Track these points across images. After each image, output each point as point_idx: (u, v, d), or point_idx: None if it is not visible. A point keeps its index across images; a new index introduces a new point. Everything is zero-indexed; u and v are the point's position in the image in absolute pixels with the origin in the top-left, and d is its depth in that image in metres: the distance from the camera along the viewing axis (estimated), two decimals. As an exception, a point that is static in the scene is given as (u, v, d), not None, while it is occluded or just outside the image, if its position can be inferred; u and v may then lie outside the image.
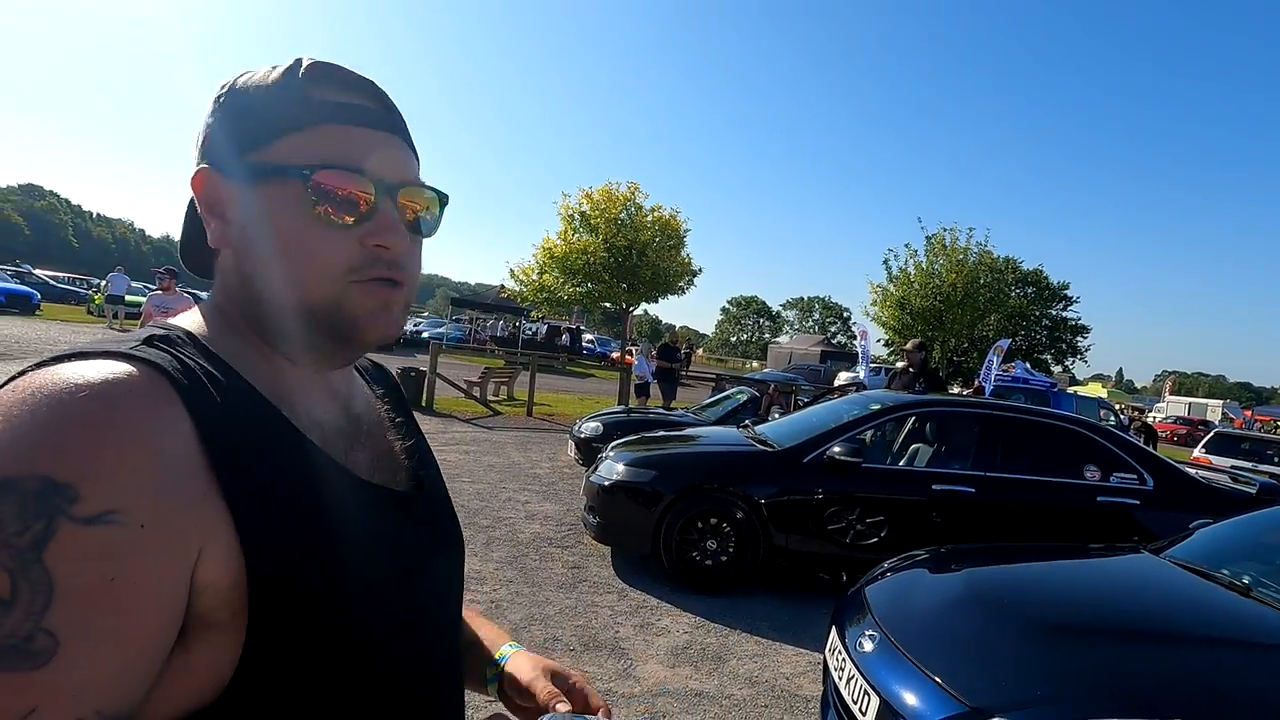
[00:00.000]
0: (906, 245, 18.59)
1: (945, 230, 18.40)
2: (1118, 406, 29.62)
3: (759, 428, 5.48)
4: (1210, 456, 12.02)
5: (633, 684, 3.17)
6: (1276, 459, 12.20)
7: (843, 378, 21.52)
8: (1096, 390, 41.31)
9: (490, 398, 12.39)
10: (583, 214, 13.79)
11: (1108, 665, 2.04)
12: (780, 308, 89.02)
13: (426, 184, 0.64)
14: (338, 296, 0.57)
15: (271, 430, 0.55)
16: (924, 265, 18.18)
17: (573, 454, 7.51)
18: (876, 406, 4.83)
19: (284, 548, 0.51)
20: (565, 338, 29.93)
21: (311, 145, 0.57)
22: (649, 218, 13.71)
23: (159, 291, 7.69)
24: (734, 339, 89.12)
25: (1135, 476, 4.49)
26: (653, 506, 4.40)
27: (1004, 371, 20.53)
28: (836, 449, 4.44)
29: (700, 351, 73.20)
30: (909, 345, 7.28)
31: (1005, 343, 20.51)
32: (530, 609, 3.84)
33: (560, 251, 13.66)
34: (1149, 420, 24.27)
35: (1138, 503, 4.40)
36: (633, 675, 3.25)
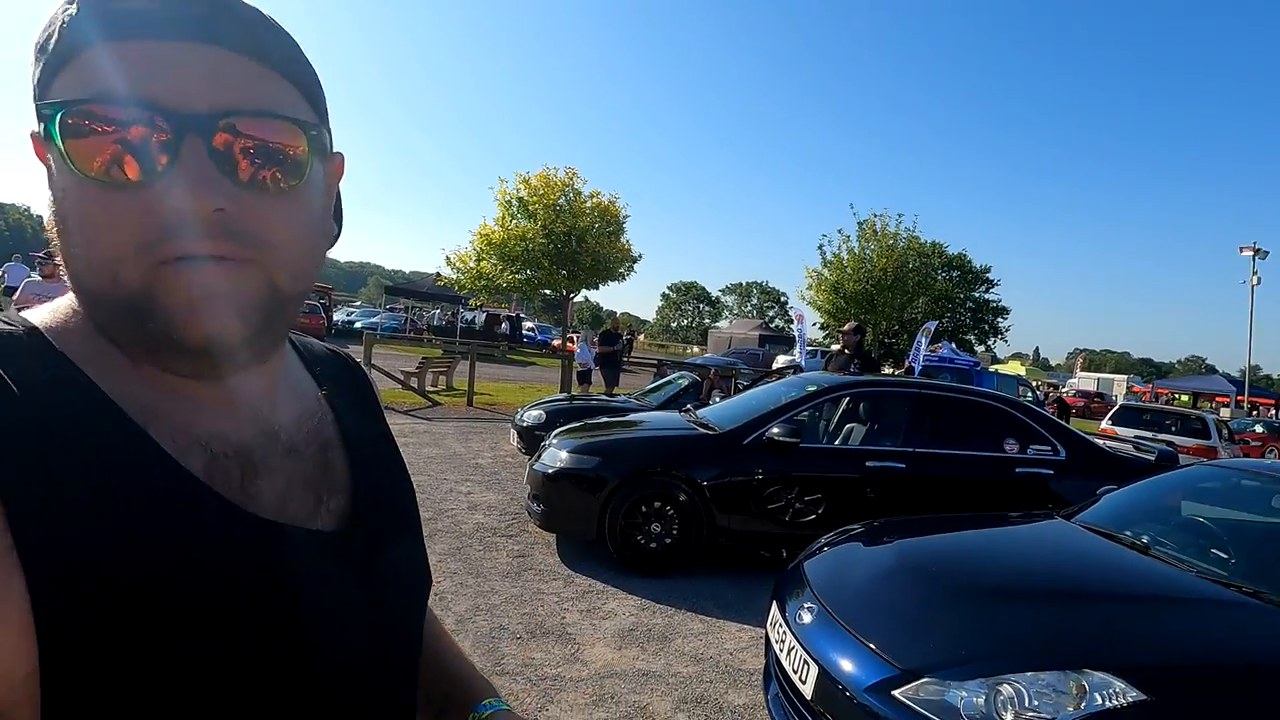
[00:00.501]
0: (840, 231, 19.14)
1: (876, 216, 19.03)
2: (1034, 383, 31.36)
3: (700, 412, 5.57)
4: (1116, 428, 12.90)
5: (580, 668, 3.20)
6: (1174, 428, 13.19)
7: (780, 361, 22.02)
8: (1016, 368, 43.60)
9: (428, 388, 12.14)
10: (521, 200, 13.57)
11: (1023, 623, 2.19)
12: (719, 293, 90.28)
13: (275, 111, 0.45)
14: (146, 285, 0.42)
15: (119, 457, 0.42)
16: (856, 251, 18.75)
17: (515, 443, 7.45)
18: (813, 388, 4.98)
19: (106, 622, 0.38)
20: (505, 326, 29.55)
21: (80, 77, 0.41)
22: (588, 204, 13.63)
23: (39, 279, 7.11)
24: (675, 324, 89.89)
25: (1049, 448, 4.79)
26: (597, 492, 4.43)
27: (932, 352, 21.44)
28: (775, 430, 4.56)
29: (642, 337, 73.43)
30: (845, 328, 7.51)
31: (933, 324, 21.37)
32: (476, 599, 3.81)
33: (498, 238, 13.42)
34: (1062, 395, 25.83)
35: (1052, 472, 4.70)
36: (580, 659, 3.27)
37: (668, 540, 4.47)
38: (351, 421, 0.61)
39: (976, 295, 46.62)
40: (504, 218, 13.61)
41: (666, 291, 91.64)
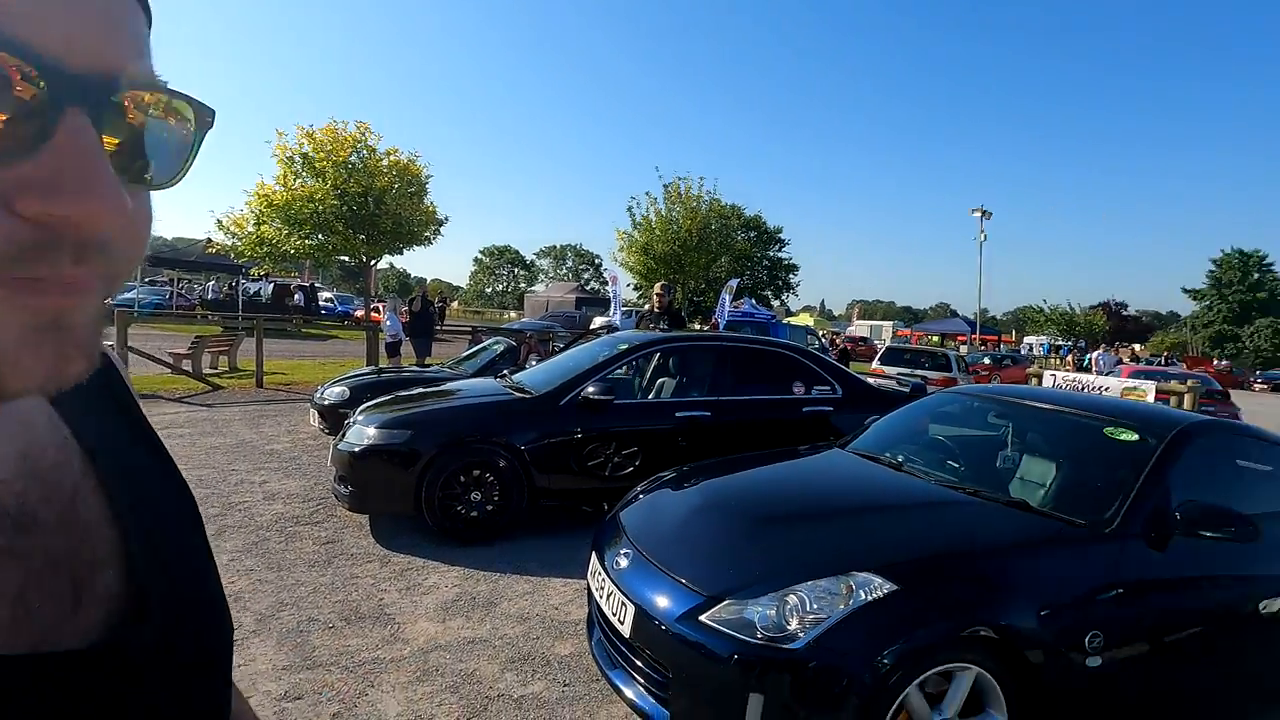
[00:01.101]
0: (647, 194, 19.75)
1: (680, 180, 19.88)
2: (821, 332, 35.06)
3: (516, 376, 5.53)
4: (884, 367, 14.91)
5: (401, 647, 3.10)
6: (927, 364, 15.52)
7: (597, 322, 22.46)
8: (805, 319, 48.39)
9: (206, 370, 10.72)
10: (305, 156, 12.22)
11: (805, 541, 2.50)
12: (534, 256, 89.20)
13: (167, 86, 0.33)
14: None
15: None
16: (664, 213, 19.49)
17: (316, 423, 6.87)
18: (624, 346, 5.16)
19: None
20: (298, 297, 26.80)
21: None
22: (384, 162, 12.63)
23: None
24: (489, 290, 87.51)
25: (829, 388, 5.43)
26: (411, 466, 4.26)
27: (735, 308, 23.15)
28: (590, 389, 4.67)
29: (455, 304, 70.67)
30: (657, 288, 7.84)
31: (735, 282, 22.94)
32: (278, 594, 3.51)
33: (281, 199, 11.98)
34: (842, 342, 29.18)
35: (832, 409, 5.34)
36: (401, 638, 3.17)
37: (489, 507, 4.44)
38: (108, 444, 0.43)
39: (771, 254, 50.86)
40: (286, 176, 12.17)
41: (479, 256, 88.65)
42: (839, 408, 5.39)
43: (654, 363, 5.84)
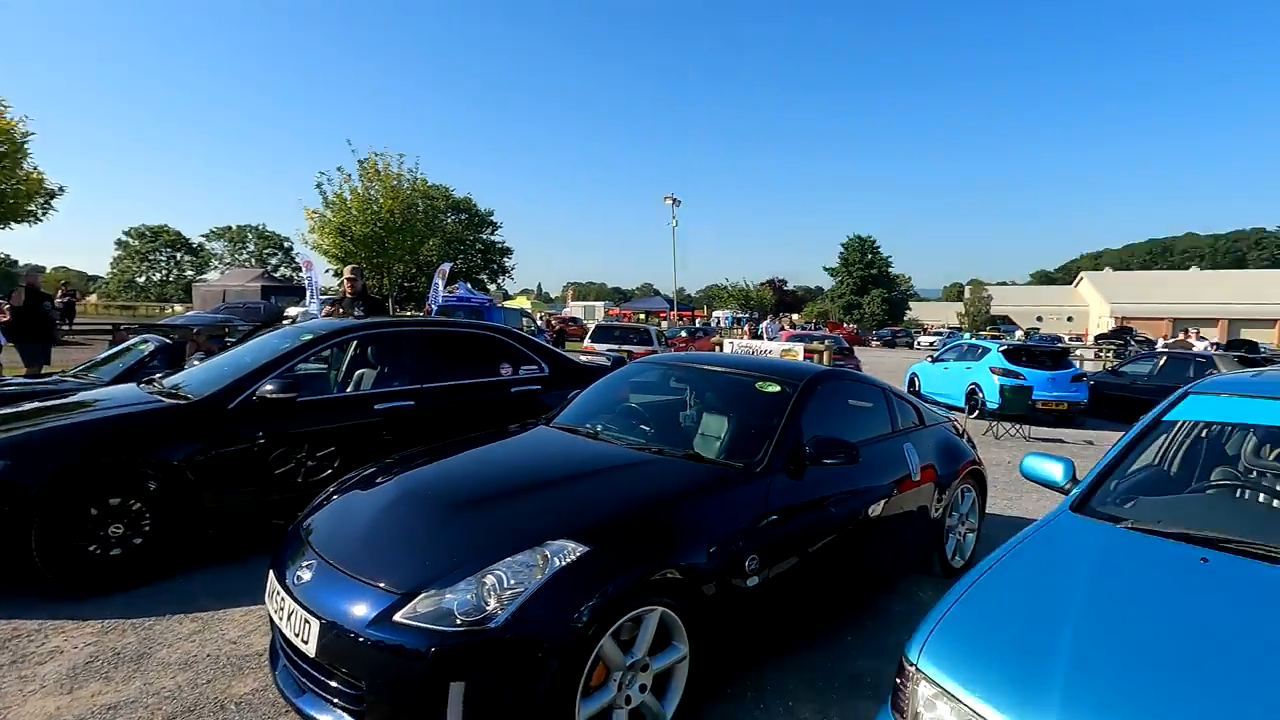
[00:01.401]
0: (340, 169, 17.92)
1: (378, 156, 18.39)
2: (539, 315, 35.74)
3: (169, 380, 4.61)
4: (595, 344, 15.79)
5: (1, 739, 2.39)
6: (634, 339, 16.80)
7: (291, 313, 19.91)
8: (522, 303, 48.94)
9: None
10: None
11: (504, 519, 2.50)
12: (203, 239, 75.56)
13: None
14: None
15: None
16: (360, 191, 17.90)
17: None
18: (309, 337, 4.61)
19: None
20: None
21: None
22: (-51, 110, 9.46)
23: None
24: (142, 279, 71.99)
25: (536, 366, 5.54)
26: (11, 505, 3.29)
27: (450, 293, 22.40)
28: (268, 387, 4.09)
29: (92, 298, 57.00)
30: (347, 272, 7.15)
31: (447, 266, 22.15)
32: None
33: None
34: (556, 323, 30.13)
35: (540, 387, 5.45)
36: (1, 728, 2.45)
37: (137, 541, 3.65)
38: None
39: (484, 237, 50.19)
40: None
41: (124, 238, 72.20)
42: (548, 385, 5.52)
43: (350, 353, 5.35)
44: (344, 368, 5.36)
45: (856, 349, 23.20)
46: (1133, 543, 2.10)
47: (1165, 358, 13.07)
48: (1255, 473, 2.88)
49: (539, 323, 24.39)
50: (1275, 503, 2.55)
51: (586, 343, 16.20)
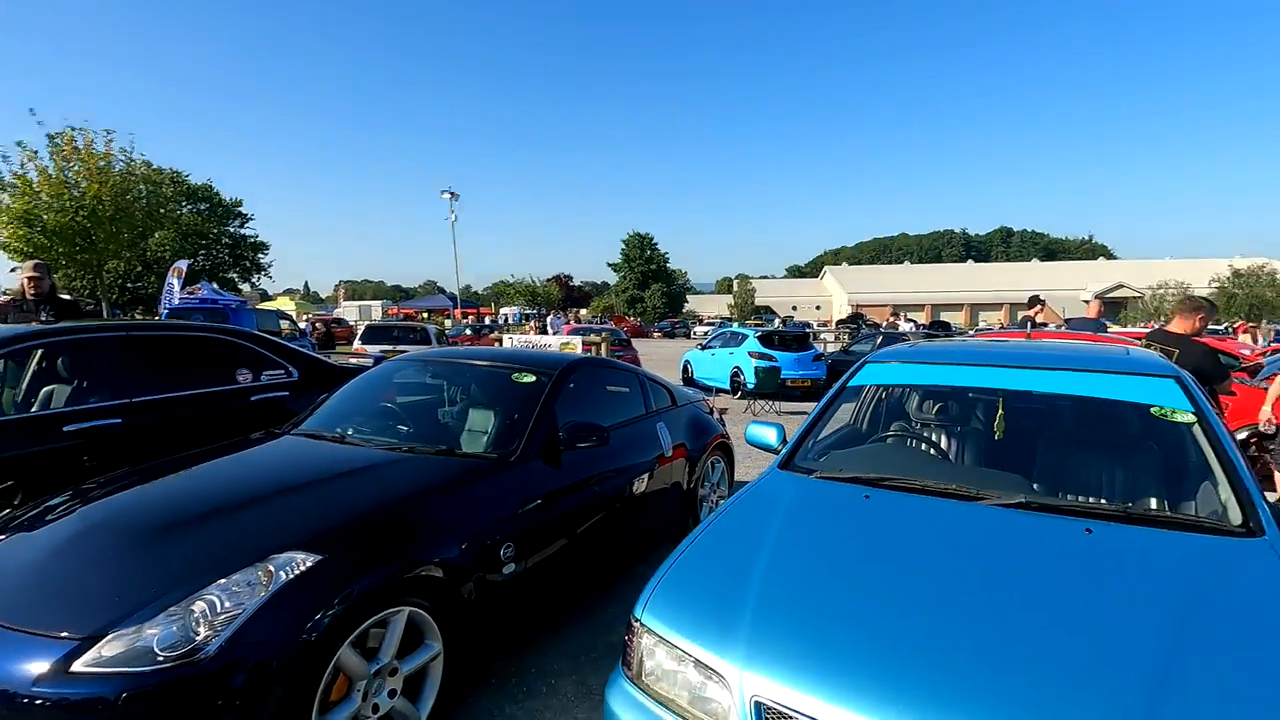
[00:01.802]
0: (21, 144, 14.56)
1: (76, 130, 15.24)
2: (304, 317, 32.37)
3: None
4: (366, 346, 14.72)
5: None
6: (411, 338, 15.94)
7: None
8: (286, 304, 44.04)
9: None
10: None
11: (219, 538, 2.25)
12: None
13: None
14: None
15: None
16: (53, 173, 14.71)
17: None
18: (-40, 348, 3.72)
19: None
20: None
21: None
22: None
23: None
24: None
25: (283, 371, 5.03)
26: None
27: (190, 294, 19.38)
28: (-103, 414, 3.23)
29: None
30: (27, 268, 5.86)
31: (184, 263, 19.18)
32: None
33: None
34: (323, 324, 27.57)
35: (287, 393, 4.96)
36: None
37: None
38: None
39: (232, 230, 44.15)
40: None
41: None
42: (297, 391, 5.04)
43: (30, 367, 4.41)
44: (24, 384, 4.41)
45: (639, 340, 24.40)
46: (817, 489, 2.49)
47: (881, 337, 15.59)
48: (919, 424, 3.57)
49: (300, 325, 22.16)
50: (923, 447, 3.19)
51: (356, 344, 15.06)
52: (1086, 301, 8.04)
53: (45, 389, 4.34)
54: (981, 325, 45.82)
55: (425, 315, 44.85)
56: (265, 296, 51.08)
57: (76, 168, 14.73)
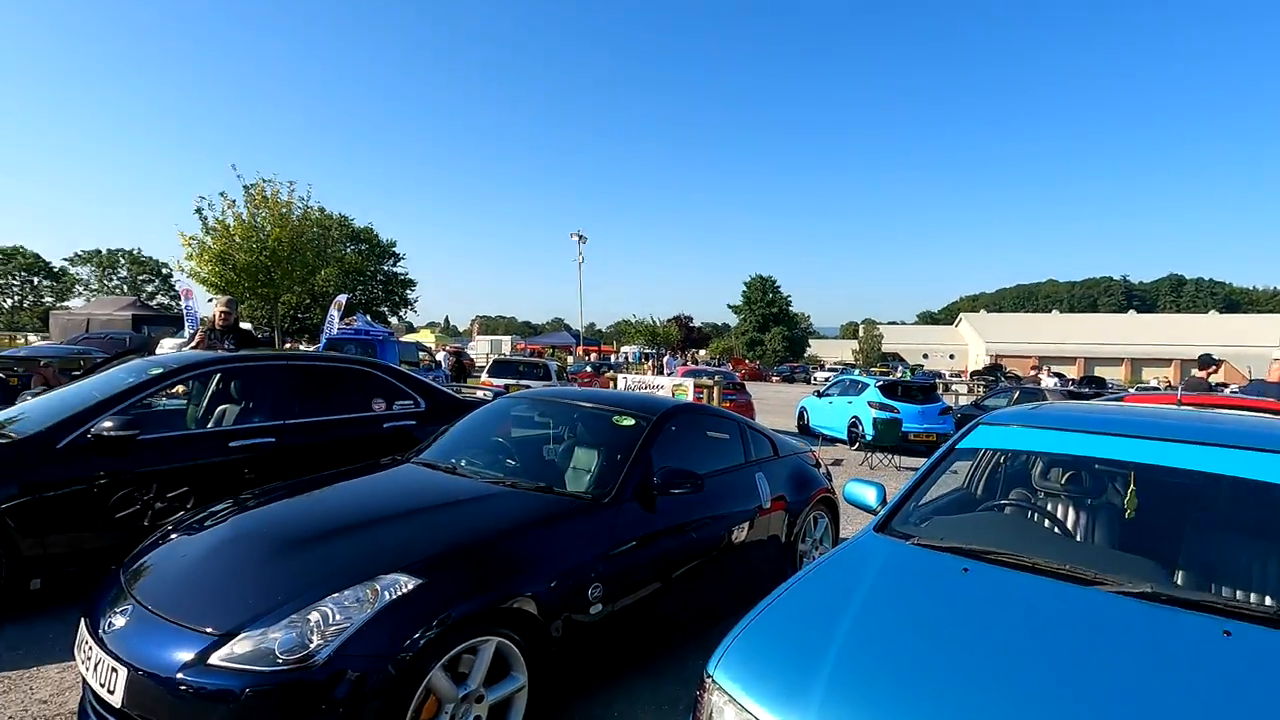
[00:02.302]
0: (222, 194, 17.05)
1: (266, 181, 17.67)
2: (443, 348, 34.78)
3: (-8, 416, 4.25)
4: (492, 379, 15.62)
5: None
6: (538, 373, 16.74)
7: (167, 345, 18.55)
8: (426, 336, 47.59)
9: None
10: None
11: (338, 554, 2.49)
12: (66, 262, 69.06)
13: None
14: None
15: None
16: (246, 218, 17.08)
17: None
18: (157, 371, 4.38)
19: None
20: None
21: None
22: None
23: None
24: (-9, 306, 64.72)
25: (412, 401, 5.48)
26: None
27: (347, 325, 21.56)
28: (107, 424, 3.86)
29: (-74, 326, 50.86)
30: (219, 304, 6.84)
31: (344, 297, 21.36)
32: None
33: None
34: (459, 355, 29.49)
35: (415, 422, 5.39)
36: None
37: (-60, 595, 3.32)
38: None
39: (386, 268, 48.70)
40: None
41: (-32, 261, 64.84)
42: (423, 420, 5.47)
43: (210, 389, 5.12)
44: (204, 403, 5.12)
45: (757, 384, 24.08)
46: (912, 556, 2.36)
47: (1018, 391, 14.42)
48: (1042, 494, 3.29)
49: (435, 356, 23.82)
50: (1045, 521, 2.93)
51: (484, 377, 16.00)
52: (1277, 359, 6.98)
53: (219, 408, 5.00)
54: (1150, 383, 40.98)
55: (551, 351, 46.86)
56: (410, 329, 55.53)
57: (264, 214, 16.98)
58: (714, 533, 3.63)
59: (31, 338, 41.26)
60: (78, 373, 7.58)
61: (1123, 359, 62.11)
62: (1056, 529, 2.90)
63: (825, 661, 1.79)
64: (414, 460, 3.79)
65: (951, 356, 72.63)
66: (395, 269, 49.09)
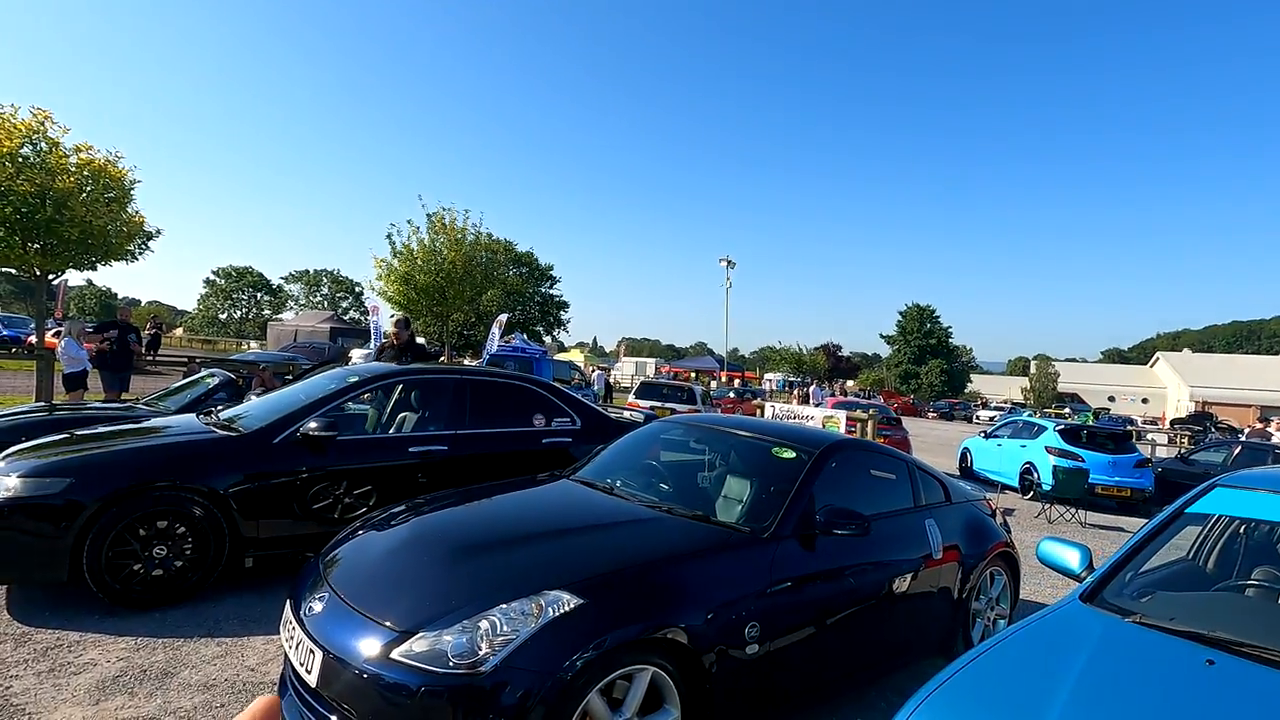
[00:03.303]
0: (409, 221, 18.97)
1: (445, 210, 19.43)
2: (592, 368, 36.17)
3: (225, 413, 4.93)
4: (639, 400, 15.92)
5: (29, 741, 2.55)
6: (681, 397, 16.87)
7: (356, 355, 20.85)
8: (575, 355, 49.71)
9: None
10: (-48, 142, 9.78)
11: (505, 567, 2.57)
12: (282, 280, 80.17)
13: None
14: None
15: None
16: (426, 242, 18.85)
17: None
18: (354, 379, 4.88)
19: None
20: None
21: None
22: (71, 159, 10.54)
23: None
24: (224, 316, 76.51)
25: (569, 419, 5.67)
26: (68, 521, 3.56)
27: (506, 343, 23.03)
28: (312, 425, 4.34)
29: (178, 331, 60.96)
30: (393, 320, 7.58)
31: (504, 316, 22.83)
32: None
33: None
34: (608, 378, 30.42)
35: (571, 440, 5.57)
36: (31, 731, 2.61)
37: (179, 564, 3.87)
38: None
39: (543, 290, 51.62)
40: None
41: (212, 277, 77.27)
42: (578, 439, 5.64)
43: (394, 397, 5.62)
44: (386, 410, 5.63)
45: (911, 420, 22.58)
46: (1135, 637, 2.02)
47: (1240, 447, 12.28)
48: (1297, 575, 2.72)
49: (590, 376, 24.67)
50: (1309, 608, 2.41)
51: (630, 399, 16.33)
52: None
53: (400, 415, 5.47)
54: None
55: (693, 375, 47.05)
56: (561, 348, 58.33)
57: (442, 239, 18.63)
58: (878, 580, 3.37)
59: (252, 344, 48.11)
60: (289, 377, 8.67)
61: (1381, 414, 51.18)
62: (1325, 621, 2.36)
63: (1034, 750, 1.55)
64: (573, 477, 3.89)
65: (1145, 401, 63.83)
66: (551, 291, 51.88)
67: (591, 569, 2.53)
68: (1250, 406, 49.20)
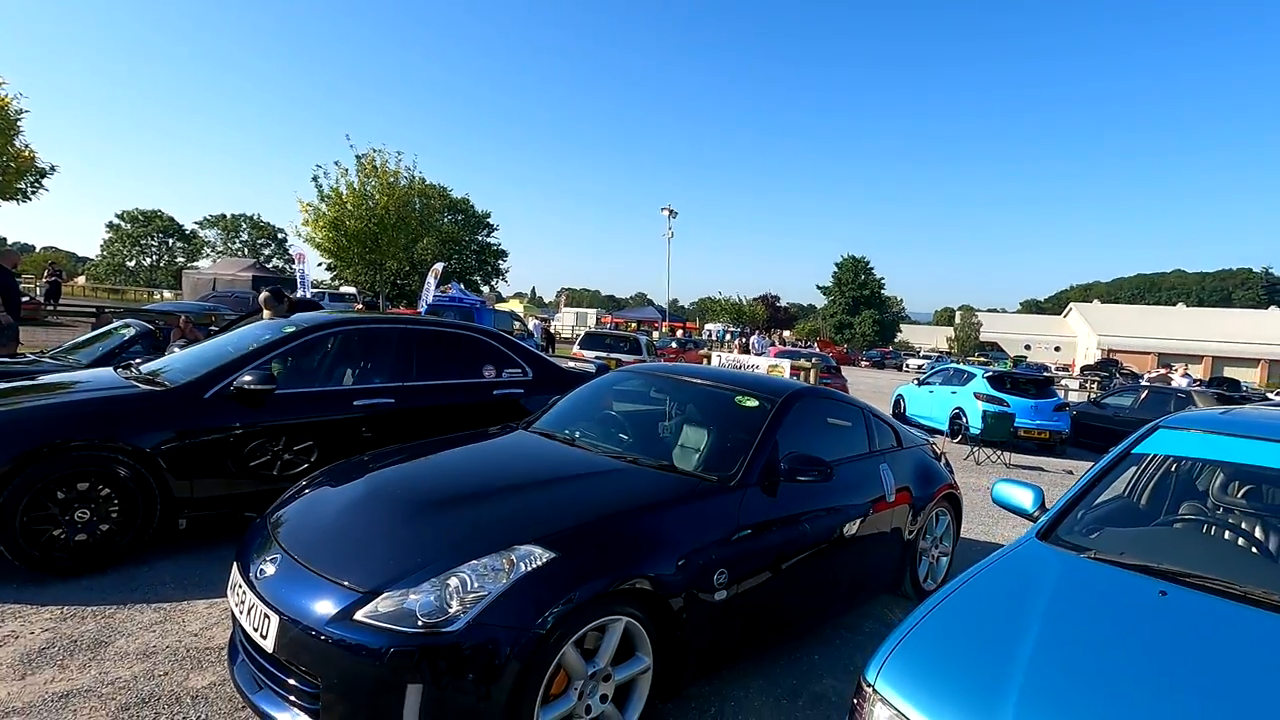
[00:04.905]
0: (337, 163, 17.88)
1: (376, 151, 18.39)
2: (532, 319, 35.69)
3: (147, 366, 4.57)
4: (584, 350, 15.78)
5: (-53, 723, 2.35)
6: (624, 347, 16.80)
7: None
8: (514, 306, 48.87)
9: None
10: None
11: (471, 522, 2.48)
12: (196, 226, 74.96)
13: None
14: None
15: None
16: (357, 186, 17.86)
17: None
18: (290, 329, 4.59)
19: None
20: None
21: None
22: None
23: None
24: (132, 264, 71.24)
25: (520, 370, 5.52)
26: (-26, 486, 3.24)
27: (442, 292, 22.33)
28: (246, 378, 4.06)
29: (80, 280, 56.60)
30: (263, 300, 6.03)
31: (441, 265, 22.07)
32: None
33: None
34: (549, 327, 30.08)
35: (522, 391, 5.44)
36: (-52, 712, 2.40)
37: (104, 527, 3.60)
38: None
39: (480, 239, 50.14)
40: None
41: (116, 221, 71.46)
42: (530, 390, 5.51)
43: (333, 349, 5.33)
44: (327, 362, 5.34)
45: (845, 369, 23.30)
46: (1094, 572, 2.11)
47: (1146, 391, 13.22)
48: (1222, 509, 2.91)
49: (530, 326, 24.31)
50: (1239, 540, 2.58)
51: (575, 349, 16.19)
52: None
53: (340, 368, 5.20)
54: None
55: (635, 326, 47.04)
56: (499, 298, 57.16)
57: (374, 183, 17.69)
58: (835, 523, 3.44)
59: (166, 294, 45.12)
60: (213, 328, 8.13)
61: (1259, 360, 56.11)
62: (1251, 548, 2.55)
63: (1011, 685, 1.60)
64: (530, 429, 3.79)
65: (1057, 349, 67.87)
66: (489, 239, 50.46)
67: (562, 522, 2.46)
68: (1149, 354, 53.08)
